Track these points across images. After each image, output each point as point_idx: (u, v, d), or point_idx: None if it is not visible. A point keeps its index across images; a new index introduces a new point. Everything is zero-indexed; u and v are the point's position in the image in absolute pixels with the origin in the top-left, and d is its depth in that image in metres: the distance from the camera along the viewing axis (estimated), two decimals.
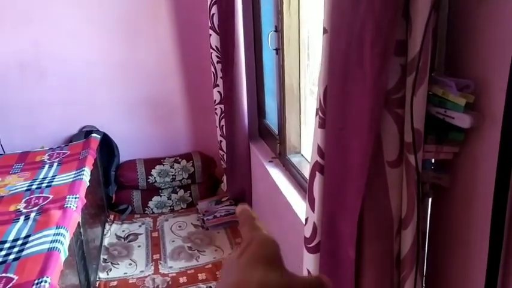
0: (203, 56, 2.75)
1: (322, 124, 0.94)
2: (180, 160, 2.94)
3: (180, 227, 2.72)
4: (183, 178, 2.92)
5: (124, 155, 2.94)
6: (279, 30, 2.03)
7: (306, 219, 1.07)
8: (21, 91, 2.72)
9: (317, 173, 0.99)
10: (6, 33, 2.61)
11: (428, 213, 1.00)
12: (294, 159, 2.13)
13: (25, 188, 2.12)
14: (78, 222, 1.93)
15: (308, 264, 1.07)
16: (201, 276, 2.23)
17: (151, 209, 2.90)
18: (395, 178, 0.87)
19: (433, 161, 0.95)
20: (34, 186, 2.13)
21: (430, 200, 0.99)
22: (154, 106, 2.94)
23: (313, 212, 1.02)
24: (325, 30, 0.91)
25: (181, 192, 2.95)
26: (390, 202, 0.88)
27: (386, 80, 0.80)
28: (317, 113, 0.98)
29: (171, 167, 2.90)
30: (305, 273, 1.09)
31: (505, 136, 0.74)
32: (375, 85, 0.80)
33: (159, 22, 2.80)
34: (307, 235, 1.06)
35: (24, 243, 1.68)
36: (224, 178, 2.91)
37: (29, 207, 1.94)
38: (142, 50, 2.83)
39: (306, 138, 2.17)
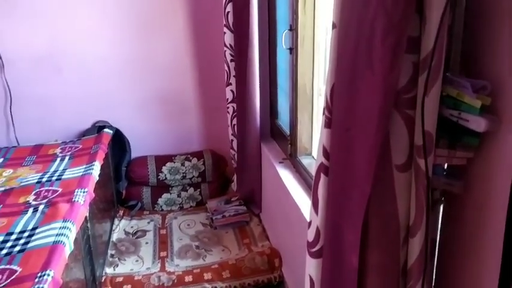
0: (217, 53, 2.73)
1: (328, 124, 0.90)
2: (191, 158, 2.92)
3: (188, 225, 2.70)
4: (194, 176, 2.90)
5: (135, 151, 2.94)
6: (293, 29, 1.99)
7: (310, 223, 1.03)
8: (37, 85, 2.74)
9: (322, 175, 0.95)
10: (22, 28, 2.63)
11: (440, 220, 0.95)
12: (305, 160, 2.08)
13: (36, 181, 2.12)
14: (86, 216, 1.92)
15: (310, 269, 1.03)
16: (207, 276, 2.20)
17: (161, 206, 2.89)
18: (404, 183, 0.82)
19: (445, 166, 0.90)
20: (44, 179, 2.13)
21: (441, 207, 0.94)
22: (166, 103, 2.93)
23: (317, 215, 0.98)
24: (334, 25, 0.87)
25: (191, 190, 2.93)
26: (397, 208, 0.83)
27: (397, 78, 0.76)
28: (324, 112, 0.94)
29: (182, 164, 2.89)
30: (307, 279, 1.05)
31: None
32: (384, 82, 0.75)
33: (173, 18, 2.79)
34: (310, 239, 1.02)
35: (30, 236, 1.67)
36: (234, 178, 2.88)
37: (38, 199, 1.94)
38: (157, 46, 2.82)
39: (317, 139, 2.12)
